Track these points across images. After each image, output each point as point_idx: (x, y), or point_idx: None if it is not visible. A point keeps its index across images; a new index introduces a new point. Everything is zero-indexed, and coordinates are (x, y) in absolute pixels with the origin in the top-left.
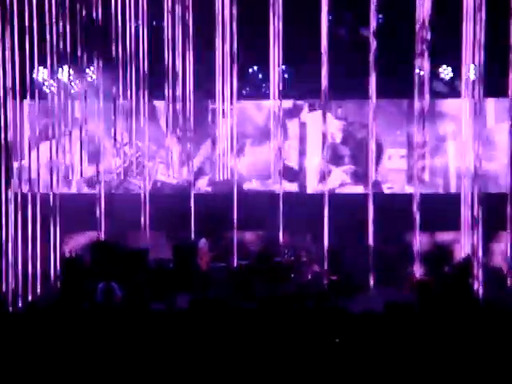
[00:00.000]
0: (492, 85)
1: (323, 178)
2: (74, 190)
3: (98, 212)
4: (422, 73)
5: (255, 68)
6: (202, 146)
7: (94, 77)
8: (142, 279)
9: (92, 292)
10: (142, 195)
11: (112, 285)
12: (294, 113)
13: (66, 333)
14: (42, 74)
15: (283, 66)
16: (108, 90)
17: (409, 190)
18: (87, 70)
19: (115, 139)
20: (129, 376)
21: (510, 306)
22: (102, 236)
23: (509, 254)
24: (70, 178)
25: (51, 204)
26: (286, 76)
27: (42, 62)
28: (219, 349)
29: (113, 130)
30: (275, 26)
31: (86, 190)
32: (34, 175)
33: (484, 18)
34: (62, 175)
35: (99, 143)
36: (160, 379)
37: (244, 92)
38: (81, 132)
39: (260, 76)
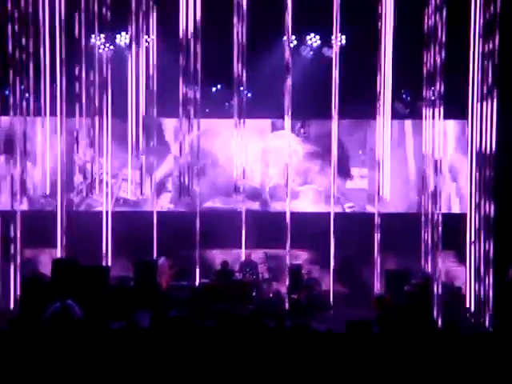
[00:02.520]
0: (451, 107)
1: (285, 196)
2: (33, 206)
3: (58, 229)
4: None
5: (218, 87)
6: (164, 164)
7: None
8: (102, 297)
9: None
10: (104, 212)
11: (69, 304)
12: (257, 132)
13: (24, 351)
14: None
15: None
16: None
17: (370, 209)
18: None
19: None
20: None
21: (466, 328)
22: (63, 253)
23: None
24: (31, 194)
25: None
26: (249, 95)
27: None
28: (179, 367)
29: (75, 147)
30: (239, 44)
31: (46, 206)
32: None
33: (444, 41)
34: (22, 192)
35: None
36: None
37: (207, 110)
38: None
39: (223, 95)
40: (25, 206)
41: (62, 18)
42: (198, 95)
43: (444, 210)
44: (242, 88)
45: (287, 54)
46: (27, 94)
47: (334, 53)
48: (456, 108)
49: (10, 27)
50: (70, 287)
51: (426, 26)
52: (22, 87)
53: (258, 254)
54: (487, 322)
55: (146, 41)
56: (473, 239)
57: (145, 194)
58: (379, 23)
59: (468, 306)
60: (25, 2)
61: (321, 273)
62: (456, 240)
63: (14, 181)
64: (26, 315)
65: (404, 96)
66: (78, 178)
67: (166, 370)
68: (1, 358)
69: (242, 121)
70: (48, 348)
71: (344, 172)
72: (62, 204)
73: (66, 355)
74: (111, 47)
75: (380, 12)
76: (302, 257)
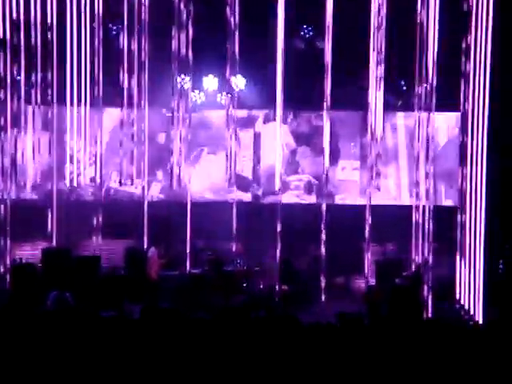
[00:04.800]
0: (443, 99)
1: (277, 187)
2: (23, 195)
3: (49, 219)
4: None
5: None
6: (156, 154)
7: None
8: (93, 286)
9: (42, 299)
10: (95, 202)
11: (66, 294)
12: (248, 123)
13: (14, 339)
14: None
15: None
16: None
17: (361, 201)
18: None
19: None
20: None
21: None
22: (54, 243)
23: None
24: (22, 183)
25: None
26: (241, 86)
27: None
28: (170, 358)
29: (68, 137)
30: (232, 35)
31: (36, 196)
32: None
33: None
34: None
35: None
36: None
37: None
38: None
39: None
40: (15, 195)
41: None
42: (191, 85)
43: (436, 203)
44: (234, 78)
45: (280, 44)
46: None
47: (326, 43)
48: (448, 101)
49: None
50: (60, 277)
51: (418, 16)
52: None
53: (249, 245)
54: (478, 314)
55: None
56: (464, 231)
57: (135, 184)
58: (371, 15)
59: (459, 297)
60: None
61: (311, 264)
62: (447, 232)
63: (5, 170)
64: (16, 304)
65: (396, 87)
66: (68, 167)
67: (156, 361)
68: None
69: (233, 111)
70: (39, 334)
71: (336, 163)
72: (53, 194)
73: (61, 344)
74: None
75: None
76: (294, 248)
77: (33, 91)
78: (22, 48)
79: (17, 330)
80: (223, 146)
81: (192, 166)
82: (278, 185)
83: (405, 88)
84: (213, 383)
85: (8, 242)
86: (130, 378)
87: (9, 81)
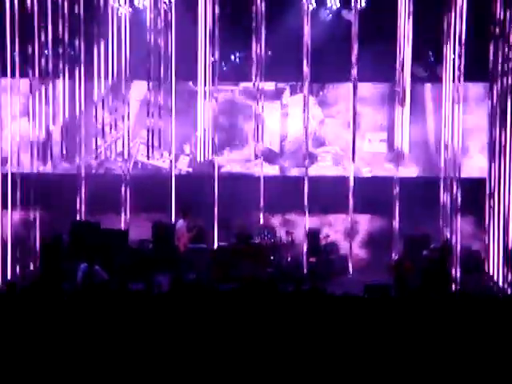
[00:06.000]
0: (471, 69)
1: (304, 160)
2: (50, 168)
3: (78, 192)
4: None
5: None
6: (183, 128)
7: None
8: (121, 260)
9: (71, 272)
10: (123, 176)
11: (95, 268)
12: (275, 96)
13: (46, 314)
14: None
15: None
16: None
17: (388, 172)
18: None
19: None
20: (110, 358)
21: (485, 292)
22: (82, 216)
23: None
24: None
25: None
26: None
27: None
28: (200, 332)
29: (94, 110)
30: (257, 8)
31: (65, 168)
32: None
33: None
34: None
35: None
36: (142, 363)
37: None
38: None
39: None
40: (47, 169)
41: None
42: (217, 59)
43: (463, 175)
44: (260, 51)
45: (305, 16)
46: (47, 54)
47: (353, 15)
48: (477, 70)
49: None
50: (89, 250)
51: None
52: (42, 49)
53: (276, 218)
54: (508, 287)
55: (164, 2)
56: (492, 204)
57: (164, 157)
58: None
59: (487, 270)
60: None
61: (339, 237)
62: (475, 204)
63: (37, 143)
64: (47, 277)
65: (423, 59)
66: (96, 141)
67: (184, 333)
68: (24, 318)
69: (259, 84)
70: (70, 310)
71: (362, 135)
72: (81, 167)
73: (88, 318)
74: (130, 9)
75: None
76: (321, 221)
77: (60, 65)
78: (50, 22)
79: (48, 308)
80: (250, 118)
81: (218, 140)
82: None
83: (433, 59)
84: (241, 358)
85: (37, 214)
86: (161, 350)
87: (36, 55)
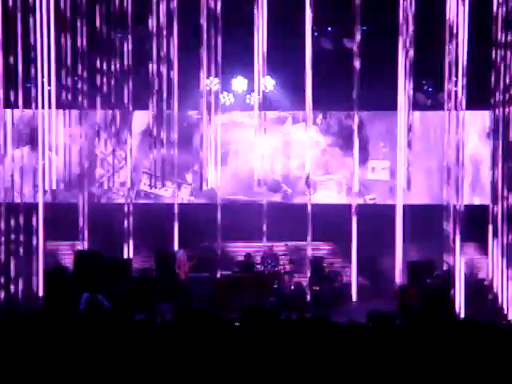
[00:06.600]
0: (472, 98)
1: (307, 188)
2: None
3: (81, 221)
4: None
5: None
6: (185, 157)
7: None
8: (124, 288)
9: (75, 301)
10: (126, 205)
11: (97, 296)
12: (278, 124)
13: (50, 343)
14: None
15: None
16: None
17: (392, 201)
18: None
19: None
20: None
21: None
22: (85, 245)
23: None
24: (54, 187)
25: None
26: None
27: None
28: (203, 360)
29: (97, 140)
30: (259, 37)
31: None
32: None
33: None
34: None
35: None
36: None
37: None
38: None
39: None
40: (48, 199)
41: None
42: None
43: (466, 202)
44: (262, 80)
45: (308, 45)
46: (49, 87)
47: (355, 44)
48: (479, 99)
49: (31, 20)
50: (92, 279)
51: (448, 15)
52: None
53: (279, 247)
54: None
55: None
56: (495, 231)
57: (165, 187)
58: (399, 14)
59: (491, 298)
60: None
61: (343, 265)
62: (478, 232)
63: (37, 173)
64: (50, 306)
65: (425, 87)
66: (99, 171)
67: (188, 362)
68: (28, 347)
69: (263, 113)
70: (74, 338)
71: (365, 163)
72: (84, 196)
73: (92, 346)
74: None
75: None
76: (324, 249)
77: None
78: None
79: (52, 335)
80: (252, 147)
81: (221, 168)
82: (307, 185)
83: (433, 88)
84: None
85: (40, 244)
86: (164, 378)
87: (39, 86)
